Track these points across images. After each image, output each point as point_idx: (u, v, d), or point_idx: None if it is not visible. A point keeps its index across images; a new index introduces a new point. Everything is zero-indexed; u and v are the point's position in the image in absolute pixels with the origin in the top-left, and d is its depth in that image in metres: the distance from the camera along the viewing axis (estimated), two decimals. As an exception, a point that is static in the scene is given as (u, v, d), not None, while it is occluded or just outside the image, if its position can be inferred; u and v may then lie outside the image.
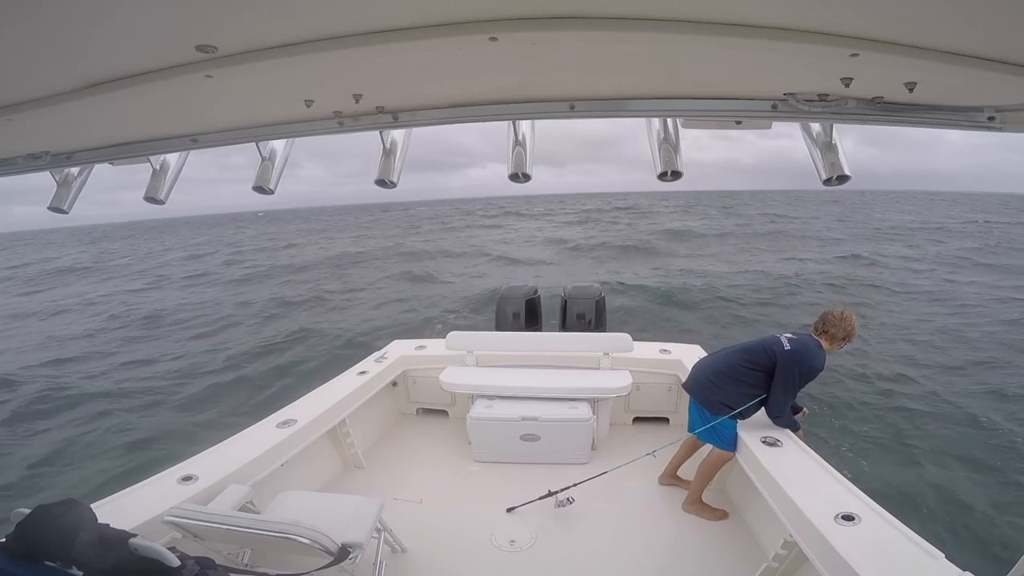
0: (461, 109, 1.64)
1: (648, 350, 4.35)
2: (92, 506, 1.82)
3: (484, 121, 1.71)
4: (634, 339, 4.11)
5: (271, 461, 2.82)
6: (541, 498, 2.95)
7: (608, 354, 4.10)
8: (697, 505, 3.08)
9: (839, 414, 6.21)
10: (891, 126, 1.52)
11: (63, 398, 7.66)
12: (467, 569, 2.67)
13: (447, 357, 4.25)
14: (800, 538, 2.20)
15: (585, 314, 4.68)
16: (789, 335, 2.97)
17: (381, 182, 2.01)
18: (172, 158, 2.14)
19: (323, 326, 11.33)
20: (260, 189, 2.09)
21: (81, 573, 1.43)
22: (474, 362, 4.23)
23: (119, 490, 2.35)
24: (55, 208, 2.13)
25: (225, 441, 2.90)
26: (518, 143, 1.94)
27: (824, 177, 1.72)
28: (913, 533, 2.01)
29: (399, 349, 4.56)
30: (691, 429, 3.14)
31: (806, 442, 2.87)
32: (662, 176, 1.83)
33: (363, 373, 4.01)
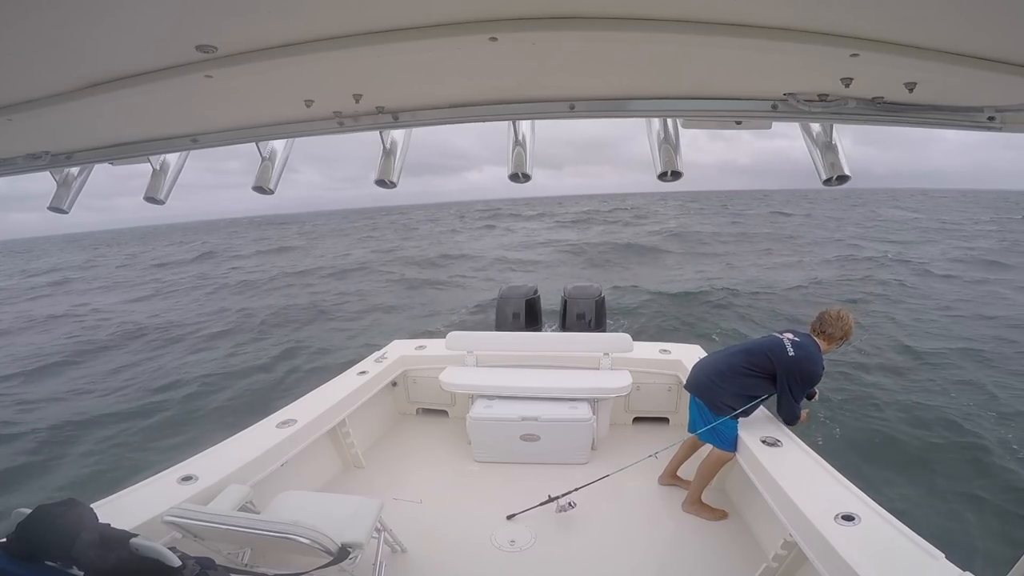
0: (461, 109, 1.64)
1: (648, 350, 4.35)
2: (93, 506, 1.82)
3: (484, 121, 1.71)
4: (634, 339, 4.11)
5: (271, 461, 2.82)
6: (541, 504, 2.94)
7: (608, 354, 4.10)
8: (697, 505, 3.08)
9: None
10: (891, 126, 1.52)
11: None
12: (467, 569, 2.67)
13: (447, 357, 4.25)
14: (800, 538, 2.20)
15: (585, 314, 4.68)
16: (792, 336, 2.95)
17: (381, 182, 2.01)
18: (172, 158, 2.14)
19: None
20: (260, 189, 2.09)
21: (82, 573, 1.43)
22: (474, 362, 4.23)
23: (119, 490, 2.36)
24: (55, 208, 2.13)
25: (225, 441, 2.90)
26: (518, 143, 1.94)
27: (824, 177, 1.72)
28: (913, 533, 2.01)
29: (399, 349, 4.56)
30: (691, 429, 3.14)
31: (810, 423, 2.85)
32: (662, 176, 1.83)
33: (363, 373, 4.01)
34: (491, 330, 4.77)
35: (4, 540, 1.44)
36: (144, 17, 0.97)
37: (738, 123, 1.60)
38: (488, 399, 3.76)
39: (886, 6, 0.96)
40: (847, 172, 1.69)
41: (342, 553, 1.99)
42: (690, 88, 1.51)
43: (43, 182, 2.07)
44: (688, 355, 4.14)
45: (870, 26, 1.03)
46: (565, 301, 4.76)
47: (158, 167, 2.12)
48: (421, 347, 4.60)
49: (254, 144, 2.02)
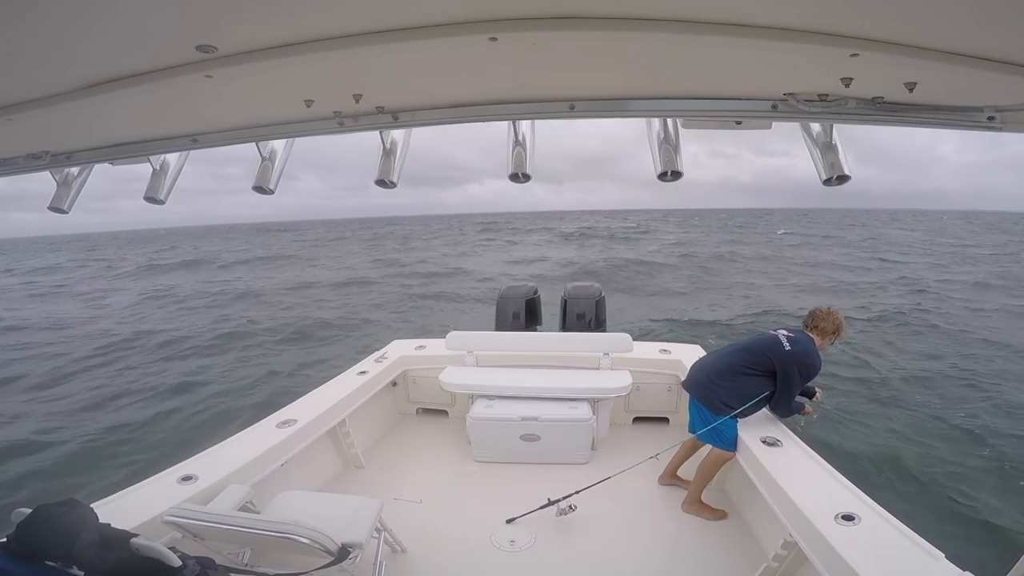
0: (461, 109, 1.64)
1: (648, 350, 4.36)
2: (93, 506, 1.82)
3: (484, 121, 1.71)
4: (634, 339, 4.11)
5: (271, 461, 2.82)
6: (542, 507, 2.92)
7: (608, 354, 4.10)
8: (697, 505, 3.08)
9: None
10: (891, 126, 1.52)
11: None
12: (467, 569, 2.67)
13: (447, 357, 4.25)
14: (800, 538, 2.20)
15: (585, 314, 4.68)
16: (787, 333, 2.99)
17: (381, 182, 2.02)
18: (172, 158, 2.15)
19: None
20: (260, 189, 2.10)
21: (82, 573, 1.43)
22: (474, 362, 4.23)
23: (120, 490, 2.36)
24: (55, 208, 2.13)
25: (225, 441, 2.90)
26: (518, 143, 1.94)
27: (824, 177, 1.72)
28: (913, 533, 2.01)
29: (399, 349, 4.56)
30: (691, 430, 3.14)
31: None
32: (662, 176, 1.83)
33: (363, 373, 4.01)
34: (491, 330, 4.77)
35: (4, 540, 1.44)
36: (144, 17, 0.97)
37: (738, 123, 1.60)
38: (488, 399, 3.75)
39: (886, 6, 0.96)
40: (847, 172, 1.69)
41: (342, 553, 1.99)
42: (690, 88, 1.51)
43: (42, 182, 2.07)
44: (688, 355, 4.14)
45: (870, 26, 1.03)
46: (565, 301, 4.76)
47: (158, 167, 2.13)
48: (421, 347, 4.60)
49: (254, 144, 2.03)
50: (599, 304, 4.72)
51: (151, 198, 2.15)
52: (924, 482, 5.13)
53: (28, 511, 1.44)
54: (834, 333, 3.02)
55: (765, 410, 3.16)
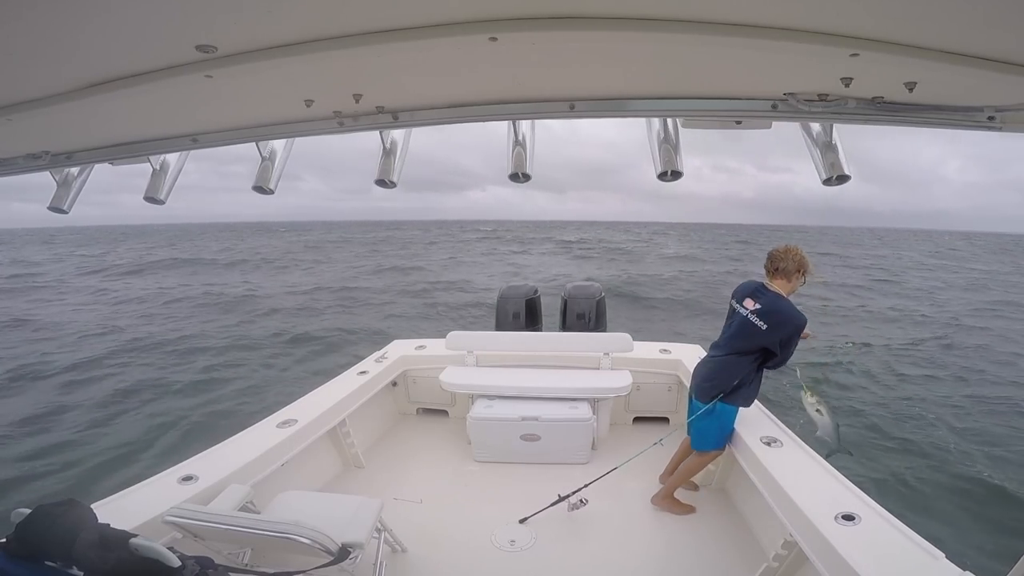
0: (461, 109, 1.64)
1: (648, 350, 4.35)
2: (92, 506, 1.82)
3: (484, 120, 1.71)
4: (634, 339, 4.11)
5: (271, 461, 2.82)
6: (553, 504, 2.91)
7: (608, 354, 4.10)
8: (668, 500, 3.10)
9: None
10: (891, 126, 1.51)
11: None
12: (467, 569, 2.67)
13: (447, 357, 4.25)
14: (800, 538, 2.20)
15: (585, 314, 4.68)
16: (753, 306, 2.79)
17: (381, 182, 2.02)
18: (172, 158, 2.15)
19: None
20: (260, 189, 2.10)
21: (82, 573, 1.43)
22: (474, 362, 4.23)
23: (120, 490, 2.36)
24: (55, 208, 2.13)
25: (225, 441, 2.90)
26: (518, 143, 1.94)
27: (824, 177, 1.72)
28: (913, 533, 2.01)
29: (399, 349, 4.56)
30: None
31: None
32: (662, 176, 1.83)
33: (363, 373, 4.01)
34: (491, 330, 4.77)
35: (4, 540, 1.44)
36: (144, 17, 0.97)
37: (738, 123, 1.59)
38: (488, 399, 3.75)
39: (886, 6, 0.96)
40: (847, 172, 1.69)
41: (342, 553, 1.99)
42: (690, 88, 1.51)
43: (44, 173, 2.06)
44: (688, 355, 4.14)
45: (870, 26, 1.03)
46: (565, 301, 4.76)
47: (158, 167, 2.13)
48: (421, 347, 4.60)
49: (254, 144, 2.03)
50: (599, 304, 4.72)
51: (151, 198, 2.15)
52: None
53: (27, 511, 1.44)
54: (798, 271, 2.81)
55: (766, 410, 3.16)
